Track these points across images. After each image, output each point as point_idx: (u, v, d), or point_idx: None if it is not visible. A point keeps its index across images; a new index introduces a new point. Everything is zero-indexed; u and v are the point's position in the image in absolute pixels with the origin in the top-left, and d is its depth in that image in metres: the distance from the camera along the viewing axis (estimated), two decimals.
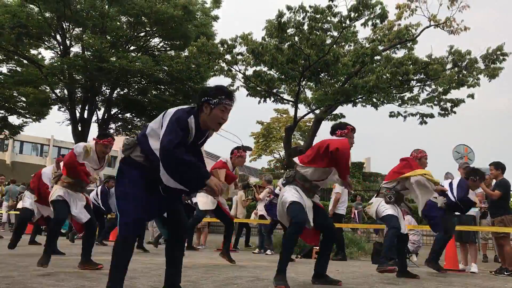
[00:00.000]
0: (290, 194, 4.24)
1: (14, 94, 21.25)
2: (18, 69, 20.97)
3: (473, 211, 7.42)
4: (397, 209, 5.29)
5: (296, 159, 4.43)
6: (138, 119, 23.38)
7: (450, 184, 6.32)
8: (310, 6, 13.67)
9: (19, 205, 8.78)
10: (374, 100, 15.76)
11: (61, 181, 5.13)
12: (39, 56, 21.32)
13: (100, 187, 9.85)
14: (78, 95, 21.51)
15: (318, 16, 13.65)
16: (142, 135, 2.93)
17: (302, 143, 29.65)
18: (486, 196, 7.18)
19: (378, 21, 14.33)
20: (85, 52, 19.78)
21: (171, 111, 2.89)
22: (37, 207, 6.98)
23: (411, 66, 14.31)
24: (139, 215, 2.78)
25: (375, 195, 5.56)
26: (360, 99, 15.72)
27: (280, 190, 7.76)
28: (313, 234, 4.44)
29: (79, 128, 20.79)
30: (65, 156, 5.21)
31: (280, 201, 4.35)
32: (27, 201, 7.45)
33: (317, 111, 16.31)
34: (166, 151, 2.67)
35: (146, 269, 5.35)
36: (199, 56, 15.55)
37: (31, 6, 19.09)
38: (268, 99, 16.57)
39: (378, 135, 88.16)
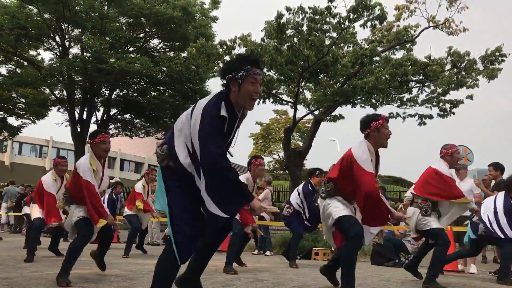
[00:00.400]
0: (334, 208, 3.89)
1: (13, 95, 21.21)
2: (17, 70, 20.94)
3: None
4: (436, 217, 4.89)
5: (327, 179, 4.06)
6: (138, 120, 23.37)
7: (495, 209, 5.43)
8: (309, 7, 13.67)
9: (26, 210, 8.22)
10: (373, 101, 15.75)
11: (76, 201, 4.59)
12: (38, 57, 21.29)
13: (107, 194, 9.51)
14: (77, 96, 21.48)
15: (317, 17, 13.65)
16: (171, 140, 2.62)
17: (301, 144, 29.66)
18: (485, 196, 7.18)
19: (377, 22, 14.32)
20: (84, 53, 19.76)
21: (199, 108, 2.51)
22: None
23: (410, 67, 14.30)
24: (192, 232, 2.53)
25: (410, 204, 5.10)
26: (359, 100, 15.72)
27: (298, 197, 7.35)
28: (342, 238, 4.14)
29: (78, 129, 20.78)
30: (70, 183, 4.63)
31: (324, 215, 4.03)
32: (37, 211, 6.61)
33: (316, 112, 16.31)
34: (213, 166, 2.38)
35: (145, 270, 5.35)
36: (198, 57, 15.54)
37: (30, 7, 19.07)
38: (267, 100, 16.58)
39: None
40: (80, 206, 4.46)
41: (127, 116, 22.95)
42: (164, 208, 2.64)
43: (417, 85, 15.59)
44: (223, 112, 2.48)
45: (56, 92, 21.50)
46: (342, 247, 3.82)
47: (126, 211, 8.28)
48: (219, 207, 2.41)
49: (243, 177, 5.75)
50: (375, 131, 3.94)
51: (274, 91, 16.62)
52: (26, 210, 8.46)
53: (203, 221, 2.59)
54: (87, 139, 4.74)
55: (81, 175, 4.37)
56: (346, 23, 14.05)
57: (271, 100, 16.84)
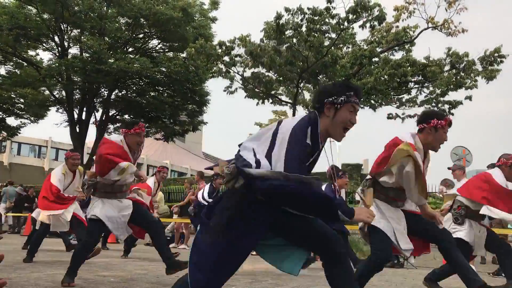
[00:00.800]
0: None
1: (12, 95, 21.23)
2: (16, 70, 20.95)
3: None
4: (472, 229, 4.25)
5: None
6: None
7: None
8: (308, 8, 13.71)
9: (35, 215, 7.78)
10: (372, 102, 15.77)
11: (98, 191, 4.25)
12: (37, 58, 21.30)
13: None
14: (76, 97, 21.48)
15: (316, 18, 13.69)
16: (244, 162, 2.18)
17: None
18: None
19: (376, 23, 14.37)
20: (83, 54, 19.77)
21: (287, 127, 2.19)
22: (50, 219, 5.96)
23: (409, 68, 14.33)
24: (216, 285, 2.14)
25: (449, 208, 4.57)
26: None
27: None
28: (420, 244, 3.53)
29: (77, 130, 20.77)
30: (104, 148, 4.11)
31: None
32: (45, 216, 6.18)
33: None
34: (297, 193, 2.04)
35: (144, 270, 5.34)
36: (197, 57, 15.57)
37: (29, 7, 19.07)
38: (266, 101, 16.60)
39: (376, 137, 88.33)
40: (100, 201, 4.20)
41: (126, 116, 22.93)
42: None
43: (416, 85, 15.61)
44: (308, 140, 2.21)
45: (55, 92, 21.52)
46: (361, 264, 3.48)
47: None
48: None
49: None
50: (432, 129, 3.41)
51: (273, 92, 16.62)
52: (36, 212, 8.15)
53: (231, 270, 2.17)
54: (123, 129, 4.37)
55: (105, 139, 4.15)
56: (345, 24, 14.08)
57: (270, 100, 16.85)
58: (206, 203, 8.23)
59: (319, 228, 2.23)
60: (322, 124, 2.29)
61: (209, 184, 8.64)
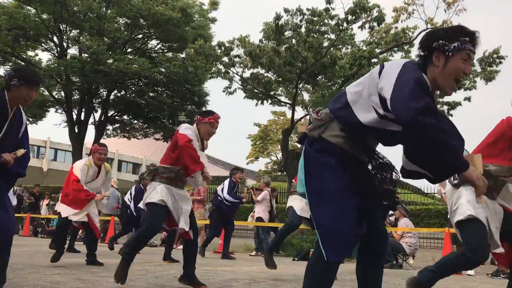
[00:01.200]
0: (467, 205, 2.88)
1: None
2: None
3: None
4: None
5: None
6: (136, 121, 23.37)
7: None
8: (307, 9, 13.73)
9: (59, 207, 7.51)
10: None
11: (160, 176, 4.01)
12: (36, 58, 21.29)
13: (134, 186, 8.99)
14: (75, 97, 21.48)
15: (315, 18, 13.70)
16: (342, 106, 2.01)
17: (299, 145, 29.66)
18: None
19: (375, 24, 14.38)
20: (82, 54, 19.77)
21: (392, 66, 1.95)
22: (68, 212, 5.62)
23: None
24: (341, 226, 1.93)
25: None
26: None
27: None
28: (506, 252, 3.01)
29: (76, 130, 20.77)
30: (180, 138, 3.90)
31: (452, 208, 3.01)
32: (65, 209, 5.85)
33: None
34: (412, 123, 1.74)
35: (143, 271, 5.34)
36: (196, 58, 15.58)
37: (28, 7, 19.08)
38: (265, 101, 16.59)
39: None
40: (162, 187, 3.95)
41: (125, 117, 22.94)
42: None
43: None
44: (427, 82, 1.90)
45: (54, 93, 21.50)
46: (454, 258, 3.05)
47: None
48: (428, 170, 1.87)
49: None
50: None
51: (272, 93, 16.63)
52: (58, 207, 7.93)
53: (362, 216, 1.99)
54: (198, 116, 4.24)
55: (180, 131, 3.96)
56: (344, 24, 14.09)
57: (269, 101, 16.85)
58: (224, 199, 8.28)
59: (376, 219, 2.10)
60: (429, 74, 1.98)
61: (228, 179, 8.65)
